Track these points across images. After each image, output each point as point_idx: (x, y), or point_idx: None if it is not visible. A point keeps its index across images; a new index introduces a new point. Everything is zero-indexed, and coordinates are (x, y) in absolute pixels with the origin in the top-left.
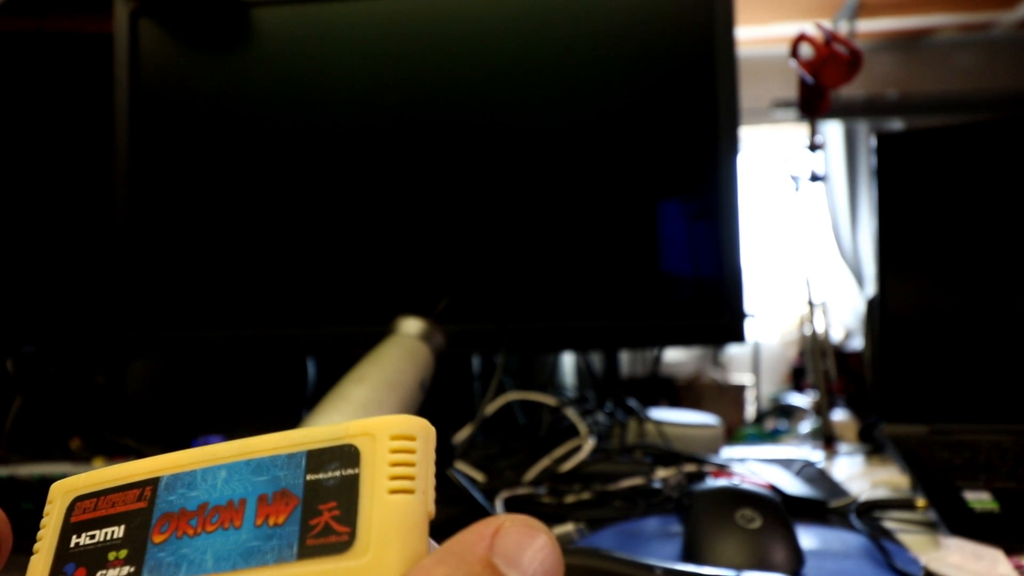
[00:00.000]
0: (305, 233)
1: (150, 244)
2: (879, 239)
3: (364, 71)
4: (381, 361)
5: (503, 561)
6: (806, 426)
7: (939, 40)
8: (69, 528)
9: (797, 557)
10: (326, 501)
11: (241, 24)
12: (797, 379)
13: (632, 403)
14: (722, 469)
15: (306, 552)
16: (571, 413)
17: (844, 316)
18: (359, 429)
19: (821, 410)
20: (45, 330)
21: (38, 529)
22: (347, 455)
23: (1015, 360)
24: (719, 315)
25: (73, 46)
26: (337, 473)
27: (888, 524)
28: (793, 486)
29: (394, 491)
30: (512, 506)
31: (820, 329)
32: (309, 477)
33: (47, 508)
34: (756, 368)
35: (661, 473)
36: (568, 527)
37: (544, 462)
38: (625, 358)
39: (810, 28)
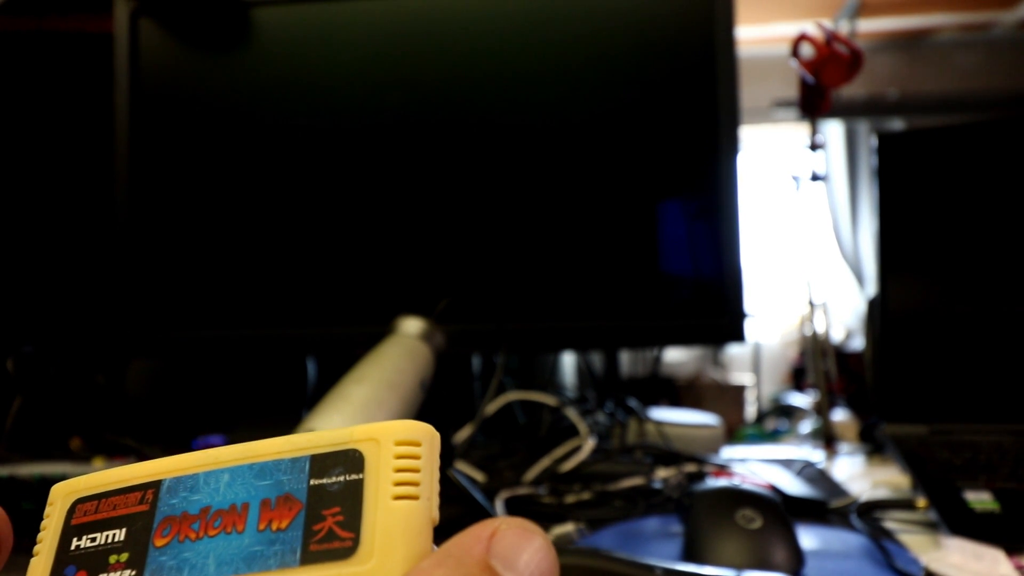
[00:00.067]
0: (305, 233)
1: (150, 244)
2: (880, 239)
3: (364, 71)
4: (381, 361)
5: (500, 563)
6: (806, 426)
7: (940, 40)
8: (70, 530)
9: (797, 557)
10: (330, 506)
11: (241, 24)
12: (797, 379)
13: (632, 403)
14: (722, 469)
15: (309, 557)
16: (571, 413)
17: (845, 316)
18: (364, 434)
19: (821, 410)
20: (45, 330)
21: (38, 530)
22: (351, 460)
23: (1016, 360)
24: (719, 315)
25: (73, 46)
26: (341, 478)
27: (889, 524)
28: (793, 486)
29: (398, 497)
30: (512, 506)
31: (821, 329)
32: (313, 482)
33: (48, 510)
34: (756, 368)
35: (661, 473)
36: (568, 527)
37: (544, 462)
38: (625, 358)
39: (811, 28)
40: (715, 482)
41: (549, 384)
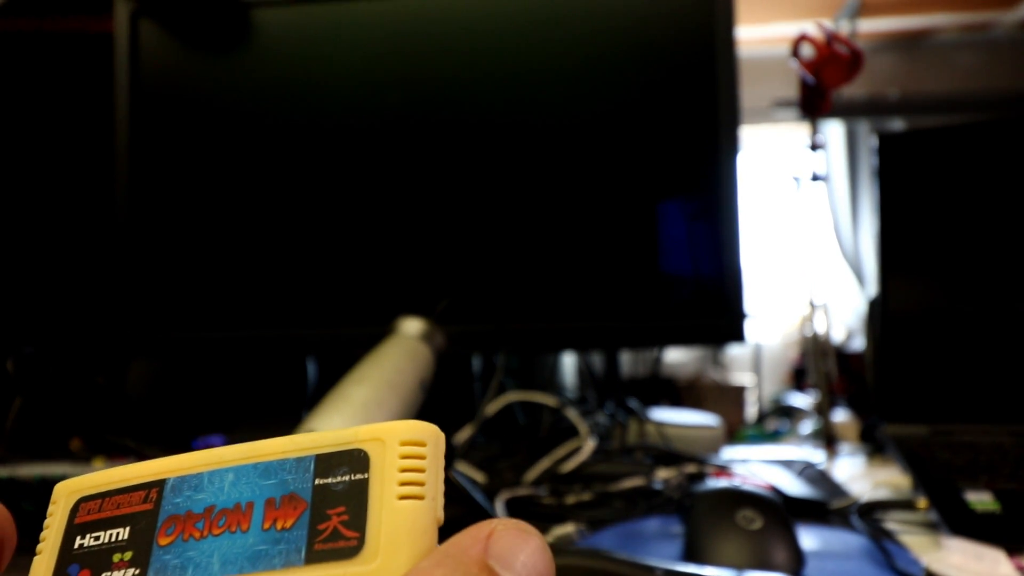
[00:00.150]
0: (305, 233)
1: (150, 245)
2: (880, 239)
3: (364, 71)
4: (381, 361)
5: (498, 563)
6: (807, 427)
7: (940, 40)
8: (73, 529)
9: (798, 558)
10: (335, 506)
11: (241, 24)
12: (798, 379)
13: (633, 403)
14: (723, 470)
15: (314, 557)
16: (572, 414)
17: (845, 316)
18: (368, 434)
19: (822, 411)
20: (45, 330)
21: (39, 530)
22: (356, 460)
23: (1016, 360)
24: (719, 315)
25: (73, 46)
26: (346, 478)
27: (889, 525)
28: (794, 487)
29: (403, 497)
30: (513, 507)
31: (821, 329)
32: (318, 481)
33: (51, 508)
34: (757, 368)
35: (662, 474)
36: (569, 528)
37: (545, 463)
38: (626, 359)
39: (811, 28)
40: (716, 483)
41: (549, 385)
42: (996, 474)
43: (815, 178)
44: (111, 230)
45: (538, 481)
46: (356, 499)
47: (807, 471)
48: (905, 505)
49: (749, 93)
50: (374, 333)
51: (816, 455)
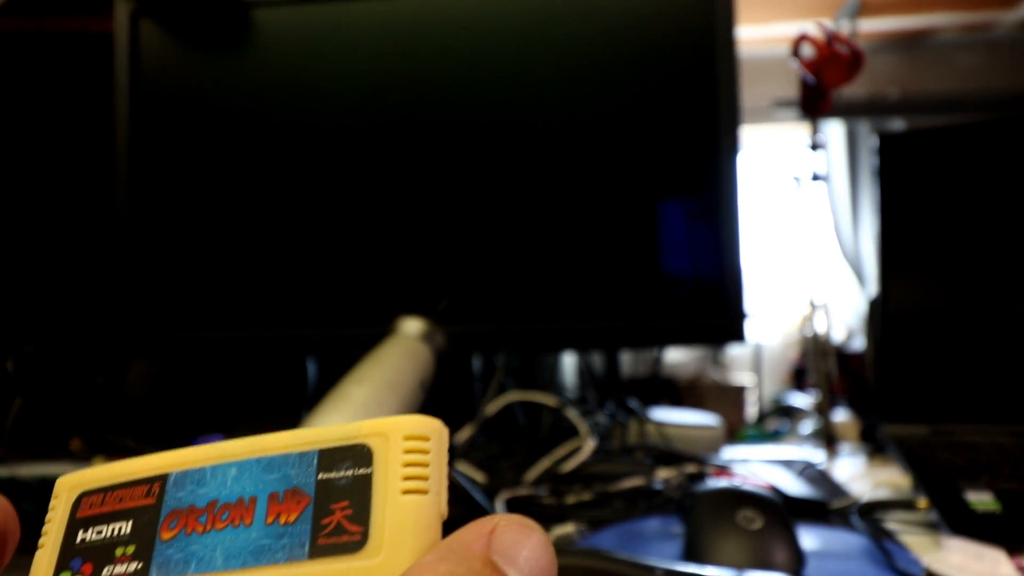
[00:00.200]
0: (305, 234)
1: (150, 245)
2: (881, 239)
3: (364, 71)
4: (381, 362)
5: (501, 559)
6: (807, 427)
7: (941, 40)
8: (75, 523)
9: (798, 558)
10: (338, 500)
11: (242, 25)
12: (798, 379)
13: (633, 403)
14: (723, 470)
15: (318, 551)
16: (572, 414)
17: (846, 316)
18: (372, 429)
19: (822, 410)
20: (45, 330)
21: (40, 529)
22: (360, 455)
23: (1017, 360)
24: (720, 315)
25: (73, 46)
26: (349, 472)
27: (889, 525)
28: (794, 487)
29: (407, 491)
30: (513, 507)
31: (821, 329)
32: (321, 476)
33: (52, 503)
34: (757, 368)
35: (662, 474)
36: (569, 528)
37: (545, 463)
38: (626, 359)
39: (811, 28)
40: (716, 483)
41: (549, 385)
42: (996, 474)
43: (815, 178)
44: (111, 230)
45: (538, 481)
46: (360, 494)
47: (807, 471)
48: (905, 505)
49: (749, 93)
50: (374, 333)
51: (816, 455)
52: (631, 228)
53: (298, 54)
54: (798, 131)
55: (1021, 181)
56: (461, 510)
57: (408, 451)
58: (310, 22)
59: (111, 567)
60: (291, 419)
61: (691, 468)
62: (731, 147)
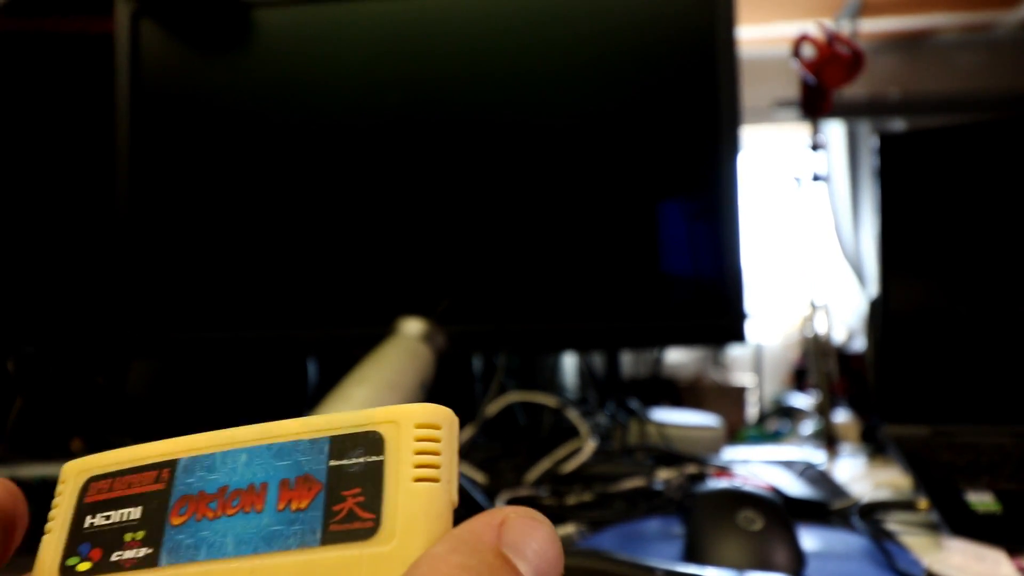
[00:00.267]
0: (305, 234)
1: (151, 245)
2: (881, 239)
3: (365, 71)
4: (382, 362)
5: (511, 551)
6: (808, 427)
7: (941, 40)
8: (83, 508)
9: (798, 559)
10: (350, 487)
11: (242, 25)
12: (799, 380)
13: (633, 404)
14: (724, 470)
15: (330, 538)
16: (572, 414)
17: (846, 317)
18: (383, 416)
19: (823, 411)
20: (45, 330)
21: (41, 528)
22: (371, 442)
23: (1017, 361)
24: (720, 315)
25: (73, 46)
26: (361, 460)
27: (890, 525)
28: (795, 487)
29: (419, 479)
30: None
31: (822, 330)
32: (332, 463)
33: (59, 488)
34: (758, 369)
35: (662, 474)
36: (569, 528)
37: (545, 463)
38: (626, 359)
39: (812, 28)
40: (716, 483)
41: (550, 385)
42: (997, 475)
43: (816, 178)
44: (111, 230)
45: (539, 482)
46: (372, 481)
47: (808, 472)
48: (906, 506)
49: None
50: (374, 333)
51: (817, 456)
52: (631, 228)
53: (298, 54)
54: (799, 131)
55: (1021, 181)
56: (462, 511)
57: (420, 439)
58: (310, 22)
59: (120, 552)
60: None
61: (692, 469)
62: (732, 147)
